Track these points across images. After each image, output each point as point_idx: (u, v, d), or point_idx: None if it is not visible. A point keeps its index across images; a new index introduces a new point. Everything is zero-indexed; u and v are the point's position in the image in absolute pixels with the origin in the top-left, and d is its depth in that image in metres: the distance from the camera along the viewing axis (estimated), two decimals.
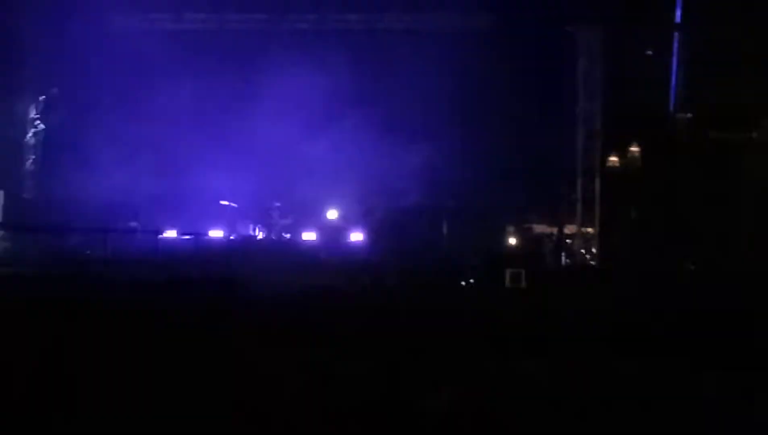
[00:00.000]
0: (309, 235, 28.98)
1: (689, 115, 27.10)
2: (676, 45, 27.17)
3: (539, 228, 27.18)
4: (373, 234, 26.79)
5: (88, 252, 25.77)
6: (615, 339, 13.47)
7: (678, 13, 26.98)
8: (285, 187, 29.46)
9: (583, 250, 26.30)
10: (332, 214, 29.50)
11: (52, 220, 25.18)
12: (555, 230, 26.74)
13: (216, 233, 28.90)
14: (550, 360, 11.84)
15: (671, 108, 27.30)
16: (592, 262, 26.24)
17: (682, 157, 26.05)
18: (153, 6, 29.56)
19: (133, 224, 28.48)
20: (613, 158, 27.05)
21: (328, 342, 12.55)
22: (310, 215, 29.62)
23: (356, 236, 28.02)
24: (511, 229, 26.34)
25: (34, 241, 24.97)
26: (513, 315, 17.04)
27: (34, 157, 30.19)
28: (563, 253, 26.49)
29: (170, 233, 27.16)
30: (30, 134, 30.17)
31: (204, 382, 9.99)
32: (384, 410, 9.32)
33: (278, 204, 29.87)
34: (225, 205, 29.97)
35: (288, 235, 29.62)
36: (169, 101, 27.75)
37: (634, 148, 27.07)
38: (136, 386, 9.62)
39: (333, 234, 28.53)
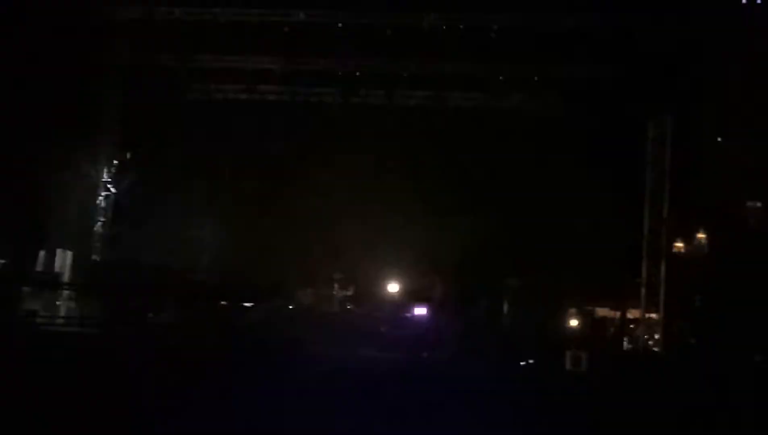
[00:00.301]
0: (372, 308, 28.96)
1: (759, 204, 26.79)
2: (746, 133, 26.99)
3: (602, 311, 26.88)
4: (435, 309, 26.70)
5: (151, 314, 26.02)
6: (676, 427, 13.26)
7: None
8: (347, 259, 29.56)
9: (646, 336, 25.94)
10: (394, 288, 29.53)
11: (119, 281, 25.50)
12: (618, 314, 26.41)
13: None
14: None
15: (740, 195, 27.04)
16: (655, 349, 25.84)
17: (750, 245, 25.69)
18: (227, 77, 30.17)
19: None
20: (679, 244, 26.76)
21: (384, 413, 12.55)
22: (372, 288, 29.64)
23: (419, 311, 27.92)
24: (572, 311, 26.06)
25: (100, 302, 25.28)
26: (572, 398, 16.84)
27: (104, 219, 30.75)
28: (625, 338, 26.12)
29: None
30: (101, 197, 30.77)
31: None
32: None
33: (340, 275, 29.95)
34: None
35: (350, 307, 29.64)
36: (238, 170, 28.19)
37: (701, 235, 26.77)
38: None
39: (395, 307, 28.51)
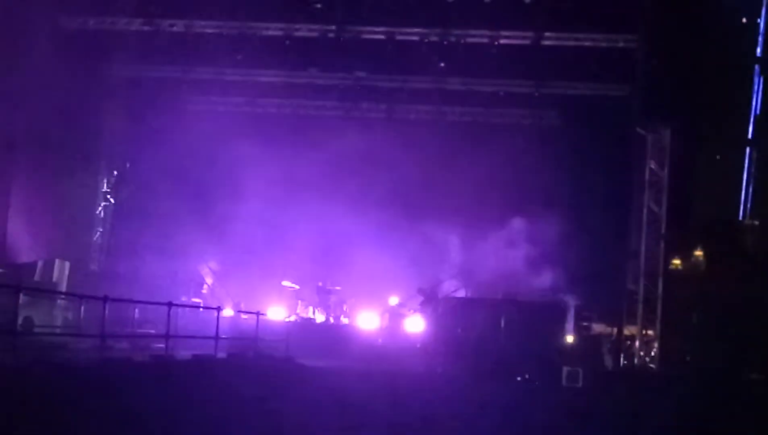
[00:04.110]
0: (367, 321, 28.93)
1: (756, 222, 26.88)
2: (747, 154, 27.10)
3: (598, 327, 26.89)
4: (431, 323, 26.66)
5: (150, 326, 25.97)
6: None
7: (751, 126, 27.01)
8: (346, 272, 29.58)
9: (642, 353, 25.96)
10: (392, 301, 29.51)
11: (117, 292, 25.53)
12: (614, 331, 26.42)
13: (275, 313, 28.96)
14: None
15: (739, 215, 27.13)
16: (652, 365, 25.87)
17: (746, 264, 25.75)
18: (226, 90, 30.32)
19: (196, 300, 28.83)
20: (677, 261, 26.83)
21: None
22: (369, 301, 29.63)
23: (415, 324, 27.89)
24: (569, 327, 26.02)
25: (98, 313, 25.21)
26: (568, 414, 16.86)
27: (102, 229, 30.83)
28: (622, 354, 26.14)
29: (229, 311, 27.16)
30: (101, 207, 30.87)
31: None
32: None
33: (338, 287, 29.96)
34: (286, 286, 30.18)
35: (346, 320, 29.63)
36: (238, 181, 28.25)
37: (699, 253, 26.84)
38: None
39: (391, 321, 28.48)
